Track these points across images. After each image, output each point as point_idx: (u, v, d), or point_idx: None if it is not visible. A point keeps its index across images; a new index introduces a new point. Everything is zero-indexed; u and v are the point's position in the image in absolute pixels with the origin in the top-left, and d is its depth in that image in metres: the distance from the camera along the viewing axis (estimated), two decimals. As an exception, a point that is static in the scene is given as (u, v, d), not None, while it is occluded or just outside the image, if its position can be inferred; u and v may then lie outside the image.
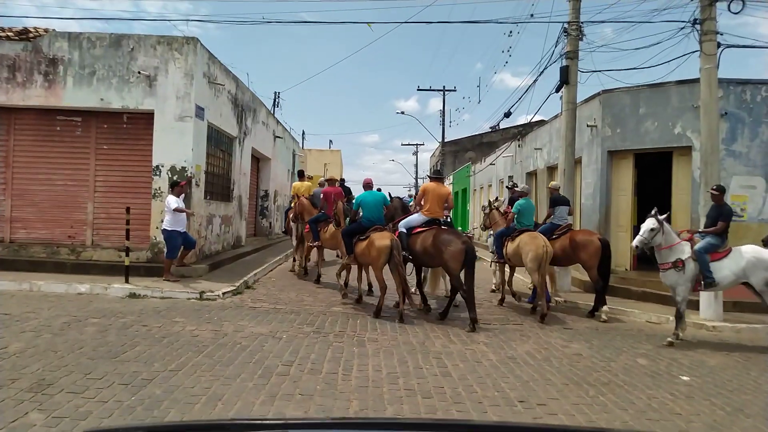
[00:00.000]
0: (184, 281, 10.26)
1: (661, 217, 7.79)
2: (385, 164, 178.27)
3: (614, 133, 12.66)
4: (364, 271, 10.31)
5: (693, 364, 6.67)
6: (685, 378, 6.09)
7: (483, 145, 41.20)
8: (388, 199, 10.18)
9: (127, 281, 9.76)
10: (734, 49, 10.44)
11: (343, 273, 10.09)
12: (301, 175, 14.47)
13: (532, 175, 19.24)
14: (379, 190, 10.65)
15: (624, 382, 5.81)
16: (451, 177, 38.40)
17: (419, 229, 8.94)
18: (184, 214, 10.36)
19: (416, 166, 59.56)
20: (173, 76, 11.30)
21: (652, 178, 13.12)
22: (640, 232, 7.84)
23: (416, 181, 56.52)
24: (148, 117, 11.37)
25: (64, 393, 4.64)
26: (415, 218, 9.23)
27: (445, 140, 39.39)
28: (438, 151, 43.97)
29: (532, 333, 8.08)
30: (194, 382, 5.08)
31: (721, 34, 10.11)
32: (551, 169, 16.79)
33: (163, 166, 11.21)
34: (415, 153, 59.09)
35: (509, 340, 7.49)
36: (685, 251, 7.76)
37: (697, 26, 10.11)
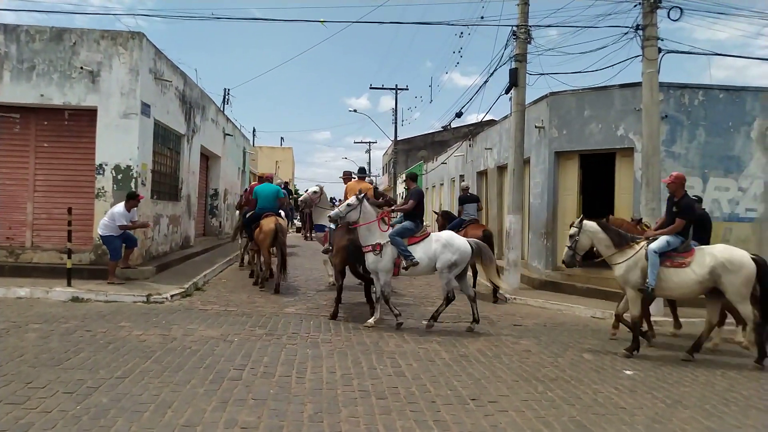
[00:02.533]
0: (130, 284, 9.96)
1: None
2: (338, 161, 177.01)
3: (561, 135, 13.01)
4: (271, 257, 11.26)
5: (636, 359, 6.94)
6: (628, 372, 6.34)
7: (435, 144, 41.68)
8: (282, 192, 12.16)
9: (69, 284, 9.40)
10: (674, 54, 10.90)
11: (255, 257, 11.55)
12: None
13: (482, 174, 19.57)
14: (287, 183, 13.01)
15: (571, 377, 6.00)
16: (403, 175, 38.65)
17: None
18: (129, 217, 10.03)
19: (369, 163, 59.72)
20: (118, 71, 10.93)
21: (597, 178, 13.56)
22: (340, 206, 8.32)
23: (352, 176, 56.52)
24: (91, 114, 10.97)
25: (2, 404, 4.43)
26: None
27: (398, 139, 39.61)
28: (391, 150, 44.15)
29: (483, 330, 8.23)
30: (142, 389, 4.94)
31: (662, 40, 10.56)
32: (501, 169, 17.13)
33: (107, 165, 10.83)
34: (368, 151, 59.41)
35: (461, 338, 7.61)
36: (384, 235, 8.02)
37: (640, 32, 10.52)
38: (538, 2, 27.66)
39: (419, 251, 8.03)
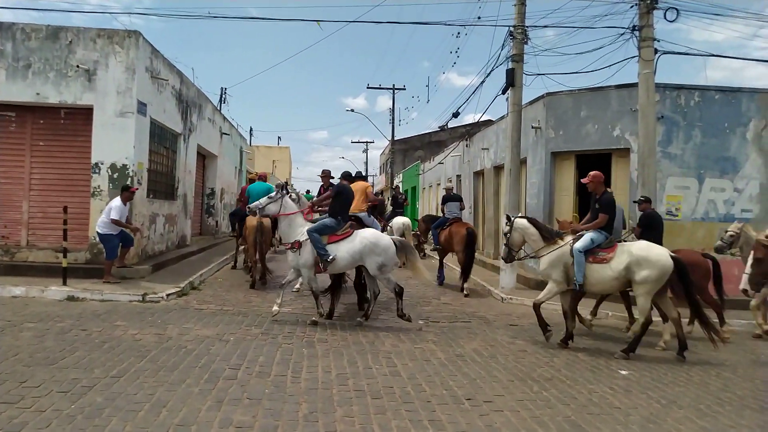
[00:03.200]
0: (126, 283, 9.94)
1: (283, 191, 8.28)
2: (335, 161, 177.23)
3: (557, 135, 13.03)
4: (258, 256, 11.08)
5: (631, 359, 6.95)
6: (623, 372, 6.35)
7: (432, 143, 41.64)
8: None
9: (65, 283, 9.38)
10: (670, 55, 10.94)
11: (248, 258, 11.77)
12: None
13: (479, 174, 19.58)
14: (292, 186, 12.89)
15: (566, 377, 6.01)
16: (400, 175, 38.64)
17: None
18: (125, 215, 10.01)
19: (366, 163, 59.58)
20: (114, 70, 10.91)
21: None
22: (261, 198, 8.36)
23: (367, 178, 56.54)
24: (87, 112, 10.94)
25: (-4, 404, 4.42)
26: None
27: (395, 138, 39.60)
28: (388, 149, 44.15)
29: (479, 330, 8.24)
30: (137, 388, 4.93)
31: (658, 41, 10.60)
32: (498, 169, 17.14)
33: (102, 164, 10.81)
34: (365, 150, 59.17)
35: (457, 338, 7.62)
36: (304, 232, 8.01)
37: (636, 33, 10.55)
38: (535, 3, 27.73)
39: (342, 249, 7.92)
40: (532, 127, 13.50)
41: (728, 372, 6.66)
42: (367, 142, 65.27)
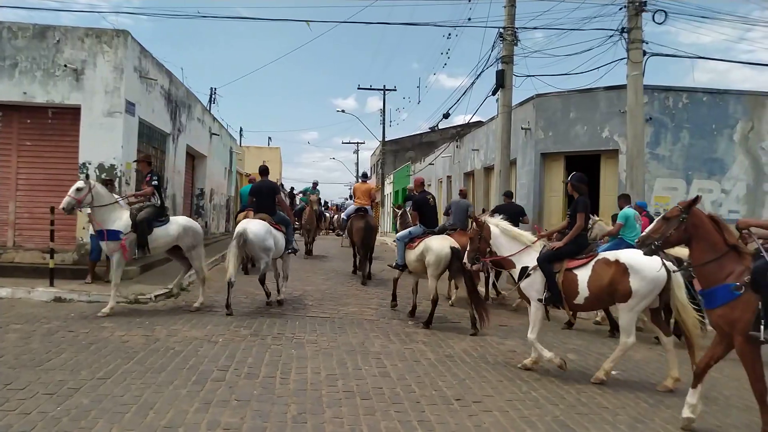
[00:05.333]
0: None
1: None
2: (326, 162, 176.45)
3: (547, 136, 13.09)
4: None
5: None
6: (612, 372, 6.36)
7: (423, 144, 41.66)
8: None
9: (52, 284, 9.28)
10: (658, 57, 11.03)
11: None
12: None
13: (469, 175, 19.63)
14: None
15: (555, 377, 6.03)
16: (391, 176, 38.65)
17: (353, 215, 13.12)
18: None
19: (357, 164, 59.54)
20: (102, 69, 10.83)
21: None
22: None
23: (356, 179, 56.53)
24: (74, 112, 10.85)
25: (-20, 406, 4.36)
26: (350, 208, 13.96)
27: (386, 139, 39.59)
28: (379, 150, 44.13)
29: (469, 331, 8.24)
30: (124, 390, 4.89)
31: (647, 43, 10.68)
32: (488, 170, 17.19)
33: (90, 164, 10.72)
34: (356, 151, 59.12)
35: (447, 339, 7.62)
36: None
37: (625, 35, 10.62)
38: (525, 4, 27.83)
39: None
40: (522, 129, 13.56)
41: (715, 372, 6.65)
42: (357, 143, 65.20)
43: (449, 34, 44.01)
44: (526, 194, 13.62)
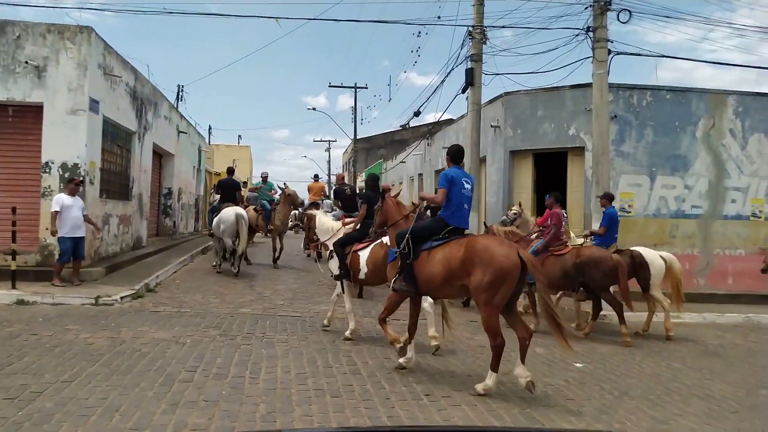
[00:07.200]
0: (78, 285, 9.63)
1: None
2: (297, 160, 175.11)
3: (515, 134, 13.25)
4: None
5: (586, 352, 7.13)
6: (578, 365, 6.51)
7: (395, 142, 41.73)
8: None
9: (14, 287, 9.03)
10: (623, 55, 11.25)
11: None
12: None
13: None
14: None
15: (523, 371, 6.10)
16: (363, 174, 38.63)
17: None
18: (79, 216, 9.69)
19: (329, 162, 59.31)
20: (65, 66, 10.56)
21: (550, 176, 13.86)
22: None
23: (329, 177, 56.25)
24: (36, 110, 10.55)
25: (-63, 413, 4.23)
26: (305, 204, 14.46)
27: (358, 137, 39.53)
28: (351, 148, 44.08)
29: (439, 327, 8.28)
30: (89, 393, 4.80)
31: (612, 42, 10.87)
32: (458, 167, 17.30)
33: (53, 163, 10.46)
34: (328, 149, 58.96)
35: (417, 336, 7.61)
36: None
37: (591, 34, 10.79)
38: (494, 3, 28.06)
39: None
40: (491, 126, 13.69)
41: (678, 363, 6.89)
42: (329, 141, 65.13)
43: (419, 33, 44.27)
44: (495, 191, 13.76)
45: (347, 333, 7.21)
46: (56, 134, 10.45)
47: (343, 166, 56.96)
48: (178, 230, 19.90)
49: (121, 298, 8.98)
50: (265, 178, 16.02)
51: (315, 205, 13.55)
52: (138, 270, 11.77)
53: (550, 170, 13.53)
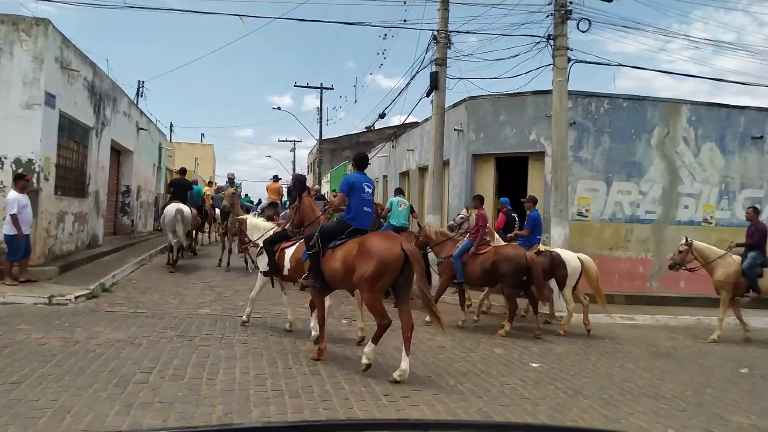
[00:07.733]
0: (31, 285, 9.34)
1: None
2: (261, 159, 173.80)
3: (478, 138, 13.42)
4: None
5: (542, 352, 7.29)
6: (534, 365, 6.64)
7: (360, 144, 41.65)
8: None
9: (-40, 286, 8.71)
10: (584, 64, 11.53)
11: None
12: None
13: (404, 175, 19.84)
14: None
15: (481, 371, 6.22)
16: (328, 175, 38.49)
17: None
18: (29, 212, 9.41)
19: (294, 162, 58.83)
20: (19, 59, 10.24)
21: (511, 180, 14.10)
22: None
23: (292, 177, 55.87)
24: (-12, 103, 10.20)
25: None
26: (264, 203, 15.38)
27: (323, 138, 39.36)
28: (316, 149, 43.84)
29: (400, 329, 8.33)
30: (39, 394, 4.67)
31: (572, 50, 11.12)
32: (422, 170, 17.44)
33: (6, 158, 10.12)
34: (293, 149, 58.43)
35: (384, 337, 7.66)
36: None
37: (551, 42, 11.02)
38: (459, 9, 28.39)
39: None
40: (455, 130, 13.83)
41: (631, 363, 7.10)
42: (294, 141, 64.59)
43: (385, 35, 44.18)
44: (458, 194, 13.91)
45: (244, 317, 7.84)
46: (10, 129, 10.13)
47: (308, 167, 56.62)
48: (137, 229, 19.48)
49: (76, 297, 8.75)
50: (231, 180, 15.64)
51: (273, 204, 14.57)
52: (93, 269, 11.48)
53: (512, 174, 13.75)
